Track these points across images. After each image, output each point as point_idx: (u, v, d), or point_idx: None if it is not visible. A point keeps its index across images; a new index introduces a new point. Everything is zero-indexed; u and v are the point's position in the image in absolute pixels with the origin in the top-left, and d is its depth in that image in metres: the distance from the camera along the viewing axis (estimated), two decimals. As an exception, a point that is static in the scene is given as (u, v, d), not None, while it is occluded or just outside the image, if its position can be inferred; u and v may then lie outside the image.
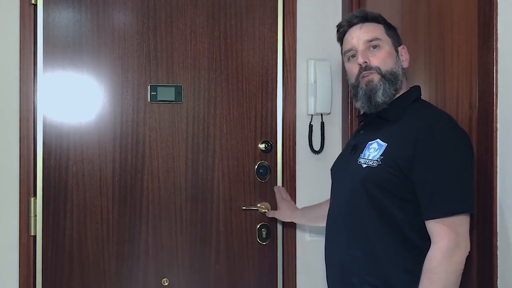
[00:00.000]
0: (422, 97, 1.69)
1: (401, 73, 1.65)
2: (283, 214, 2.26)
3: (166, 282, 2.30)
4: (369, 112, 1.67)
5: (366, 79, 1.63)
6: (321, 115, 2.40)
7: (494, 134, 1.52)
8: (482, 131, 1.57)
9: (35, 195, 2.21)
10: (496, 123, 1.52)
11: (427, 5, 1.88)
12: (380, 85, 1.61)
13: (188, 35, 2.33)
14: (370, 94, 1.62)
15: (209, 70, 2.34)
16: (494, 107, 1.52)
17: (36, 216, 2.20)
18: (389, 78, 1.62)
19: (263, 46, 2.38)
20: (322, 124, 2.40)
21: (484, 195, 1.55)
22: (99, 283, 2.26)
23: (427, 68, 1.88)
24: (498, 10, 1.51)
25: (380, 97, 1.61)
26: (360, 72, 1.64)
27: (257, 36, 2.38)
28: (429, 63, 1.87)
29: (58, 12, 2.24)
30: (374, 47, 1.64)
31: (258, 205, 2.36)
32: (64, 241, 2.23)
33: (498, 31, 1.52)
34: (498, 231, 1.51)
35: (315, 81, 2.36)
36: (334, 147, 2.39)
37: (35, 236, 2.21)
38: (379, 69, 1.61)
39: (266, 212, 2.34)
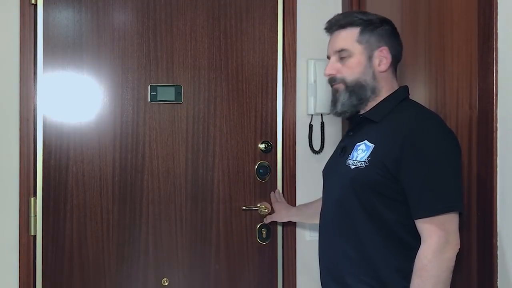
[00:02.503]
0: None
1: (371, 81, 1.65)
2: (279, 215, 2.29)
3: (166, 282, 2.30)
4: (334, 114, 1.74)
5: (334, 87, 1.72)
6: (321, 115, 2.40)
7: (494, 134, 1.52)
8: (482, 131, 1.57)
9: (35, 195, 2.21)
10: (496, 123, 1.52)
11: (427, 5, 1.88)
12: (342, 95, 1.67)
13: (188, 35, 2.33)
14: (335, 102, 1.70)
15: (209, 70, 2.34)
16: (494, 107, 1.52)
17: (36, 216, 2.20)
18: (353, 88, 1.65)
19: (263, 46, 2.38)
20: (322, 124, 2.40)
21: (484, 195, 1.56)
22: (99, 283, 2.26)
23: (427, 68, 1.88)
24: (498, 10, 1.51)
25: (339, 107, 1.68)
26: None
27: (257, 36, 2.38)
28: (429, 63, 1.86)
29: (58, 12, 2.24)
30: (342, 58, 1.67)
31: (258, 205, 2.36)
32: (64, 241, 2.23)
33: (498, 31, 1.52)
34: (498, 231, 1.52)
35: (315, 81, 2.36)
36: (334, 147, 2.38)
37: (35, 236, 2.20)
38: (344, 80, 1.67)
39: (266, 212, 2.34)
